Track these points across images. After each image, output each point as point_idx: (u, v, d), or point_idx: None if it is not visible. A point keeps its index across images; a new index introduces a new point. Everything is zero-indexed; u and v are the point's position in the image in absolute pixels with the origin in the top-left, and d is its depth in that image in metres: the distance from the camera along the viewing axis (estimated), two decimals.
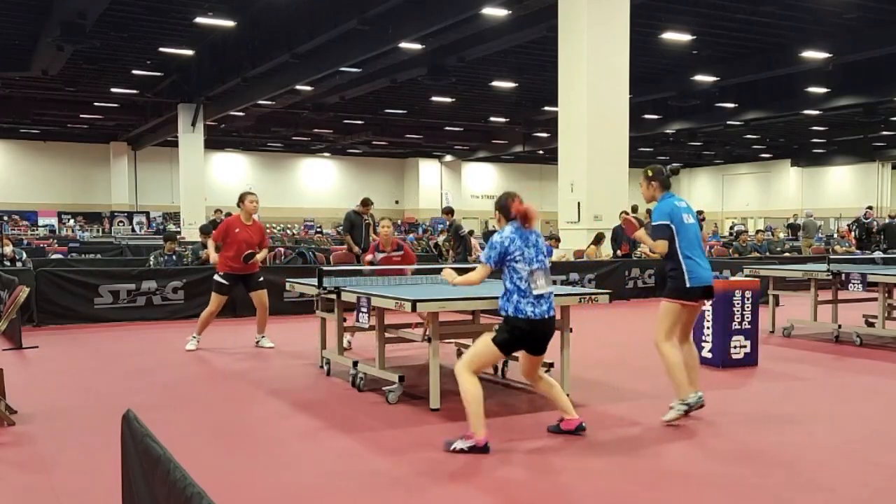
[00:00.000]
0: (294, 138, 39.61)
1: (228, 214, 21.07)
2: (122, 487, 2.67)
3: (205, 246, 13.05)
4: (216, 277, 8.77)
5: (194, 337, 8.80)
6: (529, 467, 4.61)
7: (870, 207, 22.43)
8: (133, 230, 38.13)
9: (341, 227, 15.56)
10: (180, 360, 8.23)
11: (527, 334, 4.89)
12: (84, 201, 41.45)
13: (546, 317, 4.90)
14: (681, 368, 5.49)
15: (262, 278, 8.95)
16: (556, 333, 6.40)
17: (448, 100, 29.80)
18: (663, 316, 5.58)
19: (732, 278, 8.19)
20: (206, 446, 5.05)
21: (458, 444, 4.75)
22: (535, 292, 4.86)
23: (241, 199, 8.82)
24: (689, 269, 5.47)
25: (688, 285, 5.46)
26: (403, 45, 18.91)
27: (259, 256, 8.77)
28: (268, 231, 41.42)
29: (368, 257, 8.82)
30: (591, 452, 4.90)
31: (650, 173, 5.70)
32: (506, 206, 4.97)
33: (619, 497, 4.17)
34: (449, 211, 15.49)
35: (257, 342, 9.00)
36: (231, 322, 10.73)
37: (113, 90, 28.15)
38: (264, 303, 8.87)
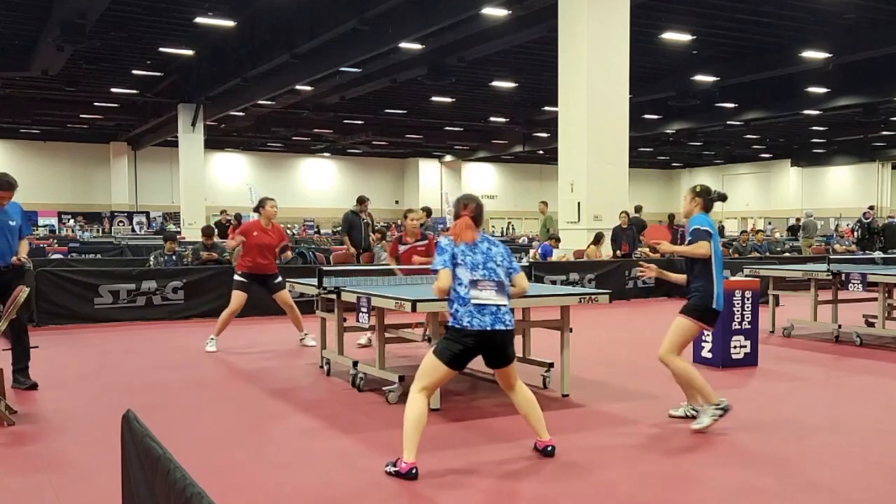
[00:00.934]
0: (294, 138, 39.61)
1: (238, 216, 21.20)
2: (122, 487, 2.67)
3: (205, 247, 13.06)
4: (236, 276, 8.88)
5: (212, 339, 8.78)
6: (528, 467, 4.61)
7: (871, 207, 22.43)
8: (133, 230, 38.12)
9: (340, 229, 15.64)
10: (180, 360, 8.24)
11: (464, 345, 4.50)
12: (84, 201, 41.45)
13: (488, 329, 4.49)
14: (697, 374, 5.39)
15: (279, 279, 9.02)
16: (556, 333, 6.45)
17: (448, 100, 29.80)
18: (678, 333, 5.42)
19: (732, 278, 8.20)
20: (206, 446, 5.05)
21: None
22: (475, 301, 4.52)
23: (262, 203, 8.94)
24: (718, 293, 5.36)
25: (713, 306, 5.36)
26: (403, 45, 18.91)
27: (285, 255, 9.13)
28: None
29: (393, 260, 8.69)
30: (591, 453, 4.90)
31: (698, 189, 5.64)
32: (456, 215, 4.83)
33: (621, 498, 4.17)
34: (427, 211, 15.79)
35: (301, 340, 9.10)
36: (232, 322, 10.71)
37: (113, 90, 28.15)
38: (288, 301, 8.93)
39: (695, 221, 5.52)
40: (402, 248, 8.56)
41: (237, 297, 8.76)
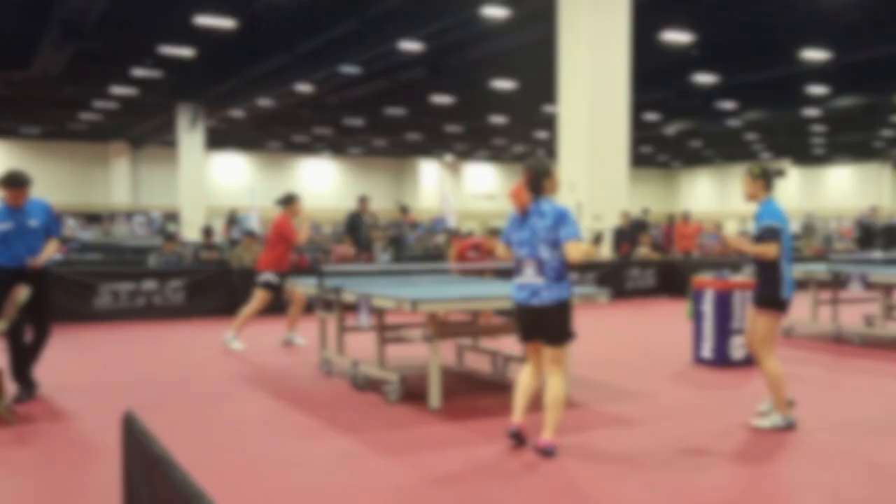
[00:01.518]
0: (294, 138, 39.58)
1: (233, 215, 21.19)
2: (122, 487, 2.67)
3: (206, 247, 13.09)
4: (268, 277, 8.73)
5: (235, 336, 8.74)
6: (528, 467, 4.61)
7: (873, 208, 22.41)
8: (133, 230, 38.10)
9: (342, 229, 15.71)
10: (180, 360, 8.24)
11: (518, 317, 4.90)
12: (84, 201, 41.46)
13: (525, 303, 4.78)
14: (782, 382, 5.34)
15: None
16: None
17: (448, 100, 29.80)
18: (762, 330, 5.35)
19: (732, 278, 8.19)
20: (207, 446, 5.05)
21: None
22: (517, 280, 4.84)
23: (293, 199, 8.78)
24: (786, 279, 5.30)
25: (783, 296, 5.29)
26: (403, 45, 18.92)
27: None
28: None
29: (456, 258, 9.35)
30: (592, 453, 4.90)
31: (756, 171, 5.49)
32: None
33: (618, 497, 4.17)
34: (403, 209, 16.01)
35: (289, 341, 9.02)
36: (231, 322, 10.71)
37: (113, 90, 28.14)
38: (301, 298, 8.81)
39: (765, 215, 5.37)
40: (472, 254, 9.21)
41: (264, 299, 8.71)
